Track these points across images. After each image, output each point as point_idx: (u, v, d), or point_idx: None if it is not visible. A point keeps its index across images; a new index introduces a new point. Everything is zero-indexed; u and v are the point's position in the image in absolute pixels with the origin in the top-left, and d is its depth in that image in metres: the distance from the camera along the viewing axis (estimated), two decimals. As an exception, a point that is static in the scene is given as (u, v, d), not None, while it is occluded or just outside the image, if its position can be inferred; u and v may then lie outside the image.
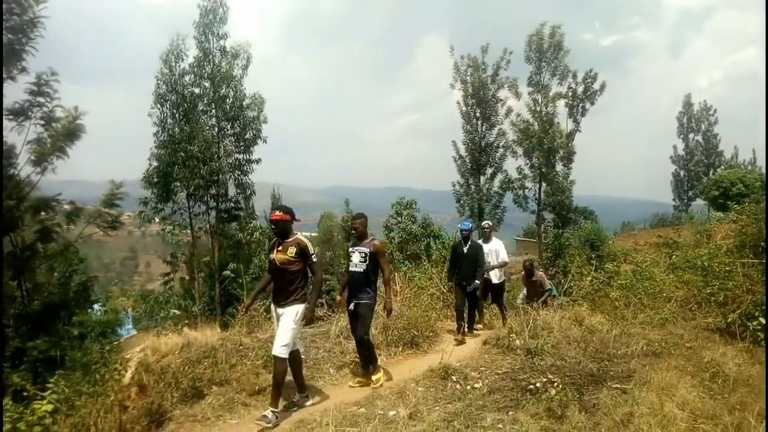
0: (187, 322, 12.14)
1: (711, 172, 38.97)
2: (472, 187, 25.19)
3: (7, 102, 8.60)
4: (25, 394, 5.80)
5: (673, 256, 11.20)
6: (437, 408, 4.80)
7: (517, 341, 6.70)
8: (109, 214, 9.37)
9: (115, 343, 12.35)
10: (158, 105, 19.62)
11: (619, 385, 4.92)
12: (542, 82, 23.61)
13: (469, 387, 5.32)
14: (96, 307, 13.63)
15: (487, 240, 9.24)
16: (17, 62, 8.71)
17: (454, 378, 5.54)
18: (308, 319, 5.12)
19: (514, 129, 24.25)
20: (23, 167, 8.78)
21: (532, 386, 4.94)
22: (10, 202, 7.89)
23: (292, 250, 5.04)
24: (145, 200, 19.74)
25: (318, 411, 4.88)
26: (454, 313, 8.42)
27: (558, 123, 23.58)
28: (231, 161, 20.33)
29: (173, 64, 19.69)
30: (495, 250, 9.06)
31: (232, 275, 19.57)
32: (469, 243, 8.21)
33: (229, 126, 20.35)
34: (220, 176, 19.59)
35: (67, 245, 9.32)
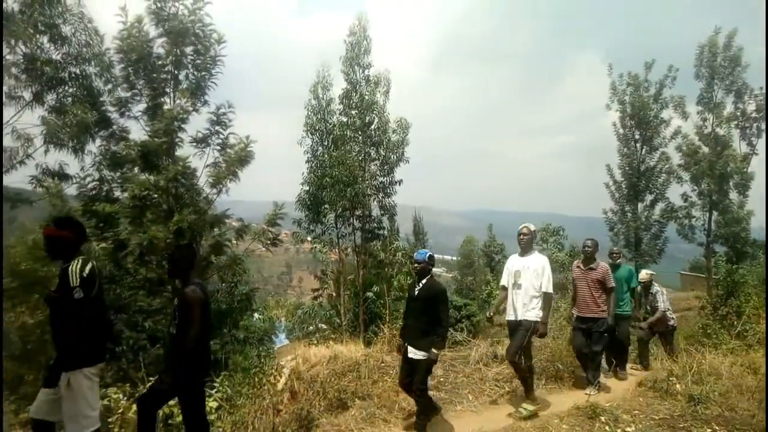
0: (333, 336, 12.81)
1: None
2: (629, 214, 23.36)
3: (191, 131, 9.99)
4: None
5: None
6: (583, 448, 4.51)
7: (678, 386, 6.05)
8: (271, 232, 10.34)
9: (271, 350, 13.48)
10: (308, 134, 21.33)
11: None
12: (714, 100, 21.38)
13: (619, 430, 4.93)
14: (255, 316, 15.00)
15: (524, 252, 5.89)
16: (201, 96, 10.08)
17: (602, 419, 5.16)
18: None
19: (681, 153, 22.15)
20: (203, 187, 10.10)
21: (694, 436, 4.44)
22: (191, 217, 9.05)
23: (56, 281, 3.56)
24: (299, 222, 21.41)
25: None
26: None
27: (732, 146, 21.09)
28: (375, 184, 21.21)
29: (320, 94, 21.34)
30: (534, 270, 5.67)
31: (375, 296, 20.37)
32: (423, 283, 5.04)
33: (373, 151, 21.28)
34: (364, 198, 20.50)
35: (235, 258, 10.44)
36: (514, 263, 5.95)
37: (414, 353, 4.87)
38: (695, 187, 21.97)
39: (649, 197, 23.19)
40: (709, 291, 20.37)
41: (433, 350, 4.75)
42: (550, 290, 5.60)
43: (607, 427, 4.97)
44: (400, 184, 21.58)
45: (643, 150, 23.07)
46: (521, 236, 5.89)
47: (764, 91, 20.30)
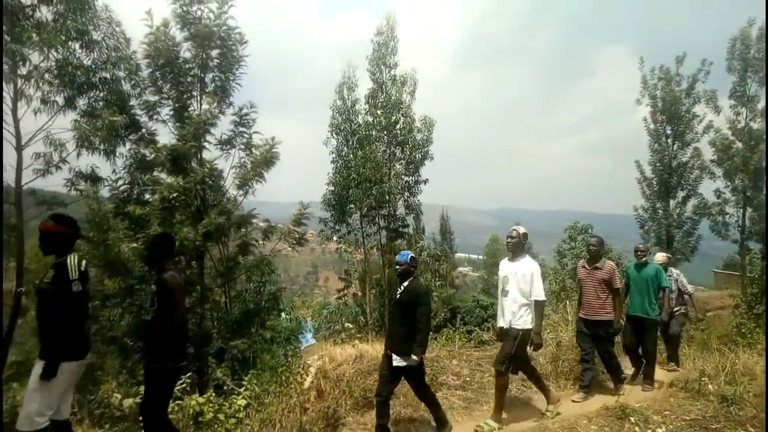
0: (359, 335, 12.90)
1: None
2: (660, 211, 22.88)
3: (217, 133, 10.15)
4: (224, 387, 6.66)
5: None
6: (613, 449, 4.43)
7: (710, 386, 5.90)
8: (297, 232, 10.44)
9: (297, 349, 13.63)
10: (333, 134, 21.53)
11: None
12: (747, 93, 20.75)
13: (649, 431, 4.84)
14: (283, 315, 15.18)
15: (513, 257, 5.43)
16: (226, 98, 10.22)
17: (632, 419, 5.05)
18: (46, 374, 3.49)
19: (714, 148, 21.58)
20: (229, 189, 10.25)
21: (728, 438, 4.32)
22: (220, 219, 9.20)
23: (50, 274, 3.59)
24: (325, 221, 21.61)
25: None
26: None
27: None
28: (401, 183, 21.27)
29: (345, 95, 21.49)
30: (522, 276, 5.21)
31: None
32: (405, 286, 4.85)
33: (399, 151, 21.34)
34: (390, 197, 20.56)
35: (262, 259, 10.57)
36: (503, 268, 5.51)
37: (398, 361, 4.62)
38: (729, 183, 21.40)
39: (681, 194, 22.68)
40: (743, 289, 19.84)
41: (413, 356, 4.52)
42: (542, 297, 5.17)
43: (636, 428, 4.87)
44: (425, 183, 21.60)
45: (675, 145, 22.56)
46: (508, 239, 5.50)
47: (765, 89, 19.90)
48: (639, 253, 7.11)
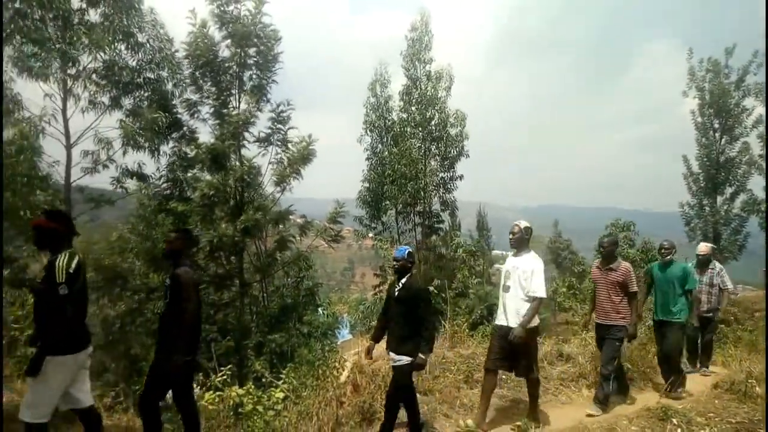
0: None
1: None
2: (707, 208, 22.12)
3: (255, 131, 10.34)
4: (263, 380, 6.80)
5: None
6: (655, 451, 4.33)
7: (758, 388, 5.69)
8: (333, 229, 10.56)
9: (334, 344, 13.78)
10: (368, 131, 21.62)
11: None
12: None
13: (692, 434, 4.70)
14: (320, 310, 15.36)
15: (516, 252, 5.22)
16: (263, 95, 10.39)
17: (674, 421, 4.92)
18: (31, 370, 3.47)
19: (764, 142, 20.70)
20: (267, 185, 10.44)
21: (777, 443, 4.17)
22: (257, 215, 9.38)
23: (42, 274, 3.59)
24: (360, 219, 21.72)
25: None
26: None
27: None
28: (436, 179, 21.20)
29: (378, 92, 21.54)
30: (522, 272, 4.98)
31: (435, 291, 20.33)
32: (403, 283, 4.62)
33: (434, 147, 21.27)
34: (425, 193, 20.52)
35: (300, 254, 10.72)
36: (506, 263, 5.31)
37: (395, 360, 4.49)
38: (778, 179, 20.51)
39: (729, 190, 21.85)
40: (793, 289, 19.00)
41: (420, 356, 4.33)
42: (541, 294, 4.83)
43: (679, 430, 4.75)
44: (461, 179, 21.45)
45: (723, 140, 21.74)
46: (510, 234, 5.23)
47: (765, 89, 19.09)
48: (663, 251, 6.52)
